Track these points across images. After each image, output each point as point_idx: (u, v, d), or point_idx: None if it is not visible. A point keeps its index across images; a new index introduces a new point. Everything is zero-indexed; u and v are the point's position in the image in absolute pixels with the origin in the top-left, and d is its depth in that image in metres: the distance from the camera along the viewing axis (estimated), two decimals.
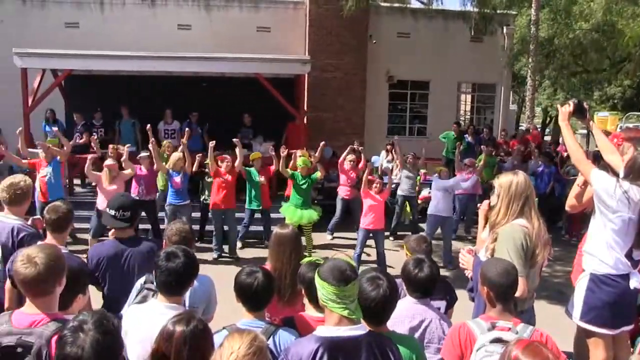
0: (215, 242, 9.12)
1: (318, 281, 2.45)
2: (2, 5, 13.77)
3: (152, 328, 2.41)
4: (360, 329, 2.43)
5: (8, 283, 3.47)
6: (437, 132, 14.00)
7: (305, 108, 12.63)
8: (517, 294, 3.10)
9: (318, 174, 9.09)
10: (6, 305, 3.34)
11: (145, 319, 2.75)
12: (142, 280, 3.34)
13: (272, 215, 9.72)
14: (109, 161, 8.66)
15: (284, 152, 8.96)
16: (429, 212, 9.21)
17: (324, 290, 2.42)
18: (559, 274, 8.39)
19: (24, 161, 8.85)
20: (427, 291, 3.24)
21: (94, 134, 11.35)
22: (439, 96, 15.57)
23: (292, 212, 8.85)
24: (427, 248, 3.82)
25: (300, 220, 8.75)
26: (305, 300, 3.03)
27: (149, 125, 9.45)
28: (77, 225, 9.16)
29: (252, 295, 2.82)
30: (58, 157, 8.77)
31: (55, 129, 9.52)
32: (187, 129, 10.39)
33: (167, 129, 11.77)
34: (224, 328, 2.73)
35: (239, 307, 2.90)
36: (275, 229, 3.80)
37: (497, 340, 2.62)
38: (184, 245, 3.18)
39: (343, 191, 10.18)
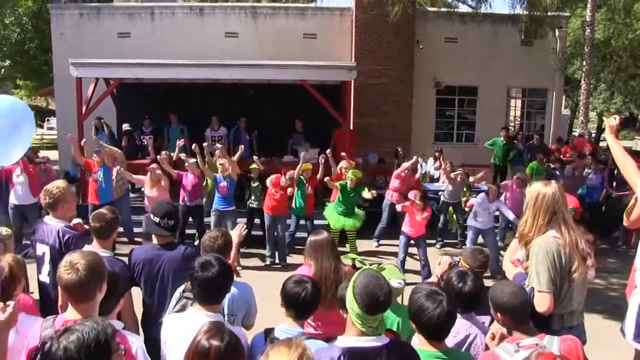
0: (268, 248, 9.26)
1: (349, 295, 2.43)
2: (62, 18, 14.38)
3: (192, 338, 2.43)
4: (381, 339, 2.42)
5: None
6: (485, 138, 13.77)
7: (352, 114, 12.59)
8: (541, 310, 3.05)
9: (366, 192, 9.03)
10: (60, 302, 3.46)
11: (185, 328, 2.75)
12: (181, 288, 3.38)
13: (316, 222, 9.67)
14: (153, 165, 8.83)
15: (322, 159, 9.17)
16: (468, 222, 9.10)
17: (352, 305, 2.41)
18: (615, 287, 8.06)
19: (83, 158, 9.23)
20: (471, 305, 3.18)
21: (144, 141, 11.72)
22: (488, 102, 15.27)
23: (336, 219, 8.96)
24: (483, 259, 3.73)
25: (343, 227, 8.86)
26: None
27: (194, 145, 9.53)
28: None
29: (299, 304, 2.90)
30: (107, 162, 9.07)
31: (95, 137, 9.78)
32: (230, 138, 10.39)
33: (214, 136, 11.92)
34: (265, 332, 2.84)
35: (281, 315, 2.96)
36: (310, 237, 3.94)
37: None
38: (221, 252, 3.30)
39: (391, 196, 10.13)
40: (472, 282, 3.14)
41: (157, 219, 3.86)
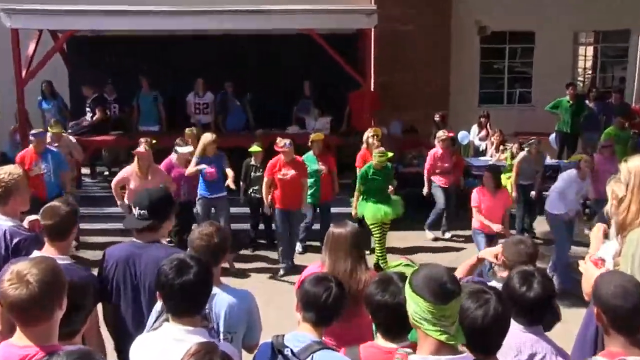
0: (282, 253, 8.98)
1: (410, 294, 2.42)
2: None
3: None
4: (465, 358, 2.41)
5: None
6: (545, 98, 13.35)
7: (372, 72, 12.24)
8: None
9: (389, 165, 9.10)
10: None
11: (157, 348, 2.78)
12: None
13: (335, 210, 9.71)
14: (139, 148, 8.49)
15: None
16: (551, 209, 8.49)
17: (417, 307, 2.37)
18: None
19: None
20: (538, 316, 3.07)
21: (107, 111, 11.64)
22: (548, 51, 14.63)
23: (375, 209, 8.74)
24: (527, 251, 3.63)
25: (385, 217, 8.79)
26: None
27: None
28: (87, 226, 9.30)
29: (319, 306, 2.95)
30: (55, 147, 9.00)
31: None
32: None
33: (198, 103, 11.88)
34: (273, 340, 2.92)
35: (291, 329, 3.02)
36: (331, 228, 3.99)
37: None
38: (217, 252, 3.39)
39: (438, 179, 10.37)
40: (540, 286, 2.99)
41: (134, 210, 3.88)
